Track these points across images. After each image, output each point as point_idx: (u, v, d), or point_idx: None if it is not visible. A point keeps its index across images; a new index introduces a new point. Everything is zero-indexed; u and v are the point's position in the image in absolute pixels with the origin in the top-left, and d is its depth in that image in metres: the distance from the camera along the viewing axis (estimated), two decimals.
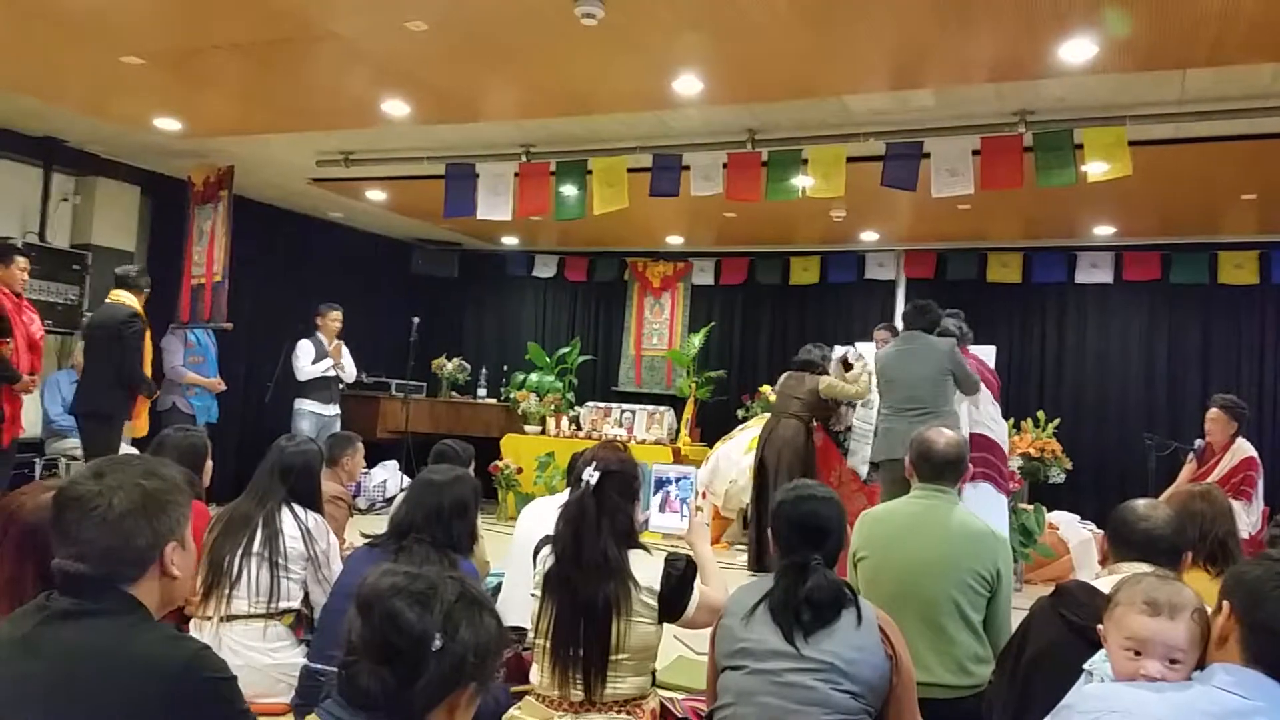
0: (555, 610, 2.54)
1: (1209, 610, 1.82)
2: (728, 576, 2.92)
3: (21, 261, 5.87)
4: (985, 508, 5.07)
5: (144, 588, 1.64)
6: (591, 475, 2.62)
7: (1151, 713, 1.65)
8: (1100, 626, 1.95)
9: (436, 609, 1.38)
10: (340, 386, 8.21)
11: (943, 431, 3.22)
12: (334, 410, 8.07)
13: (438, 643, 1.37)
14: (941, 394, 5.53)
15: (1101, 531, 2.82)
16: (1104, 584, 2.25)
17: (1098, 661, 1.96)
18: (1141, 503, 2.40)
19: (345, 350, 8.11)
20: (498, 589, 3.86)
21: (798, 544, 2.38)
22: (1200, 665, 1.80)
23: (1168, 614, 1.82)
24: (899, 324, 8.20)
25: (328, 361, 7.94)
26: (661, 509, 3.24)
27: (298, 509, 3.37)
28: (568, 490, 3.84)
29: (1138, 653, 1.83)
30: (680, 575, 2.61)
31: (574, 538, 2.57)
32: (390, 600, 1.38)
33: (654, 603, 2.56)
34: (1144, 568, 2.24)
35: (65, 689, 1.53)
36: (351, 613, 1.43)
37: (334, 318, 8.04)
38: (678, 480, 3.26)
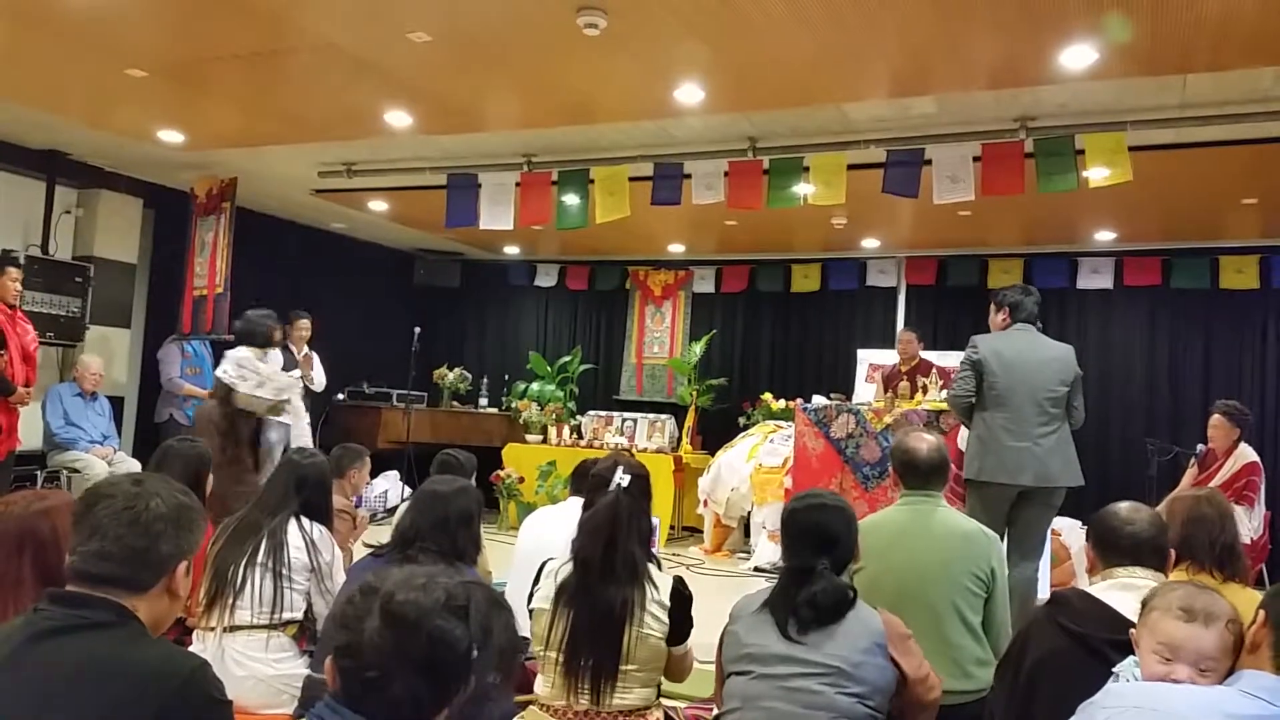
0: (572, 619, 2.52)
1: (1242, 621, 1.85)
2: (727, 584, 2.92)
3: (13, 273, 5.84)
4: None
5: (149, 599, 1.65)
6: (622, 478, 2.64)
7: (1173, 708, 1.67)
8: (1133, 630, 1.97)
9: (475, 621, 1.41)
10: (306, 397, 7.95)
11: (924, 438, 3.21)
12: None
13: (474, 652, 1.39)
14: (1063, 408, 4.58)
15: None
16: (1096, 591, 2.26)
17: (1127, 666, 1.98)
18: (1124, 507, 2.40)
19: (316, 360, 7.77)
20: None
21: (805, 550, 2.40)
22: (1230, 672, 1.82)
23: (1202, 621, 1.84)
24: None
25: (297, 372, 7.65)
26: None
27: (305, 520, 3.37)
28: (571, 500, 3.85)
29: (1169, 658, 1.85)
30: (688, 598, 2.63)
31: (607, 543, 2.55)
32: (434, 620, 1.37)
33: (665, 616, 2.56)
34: (1138, 571, 2.25)
35: (59, 703, 1.49)
36: (371, 621, 1.35)
37: (302, 326, 7.66)
38: None
